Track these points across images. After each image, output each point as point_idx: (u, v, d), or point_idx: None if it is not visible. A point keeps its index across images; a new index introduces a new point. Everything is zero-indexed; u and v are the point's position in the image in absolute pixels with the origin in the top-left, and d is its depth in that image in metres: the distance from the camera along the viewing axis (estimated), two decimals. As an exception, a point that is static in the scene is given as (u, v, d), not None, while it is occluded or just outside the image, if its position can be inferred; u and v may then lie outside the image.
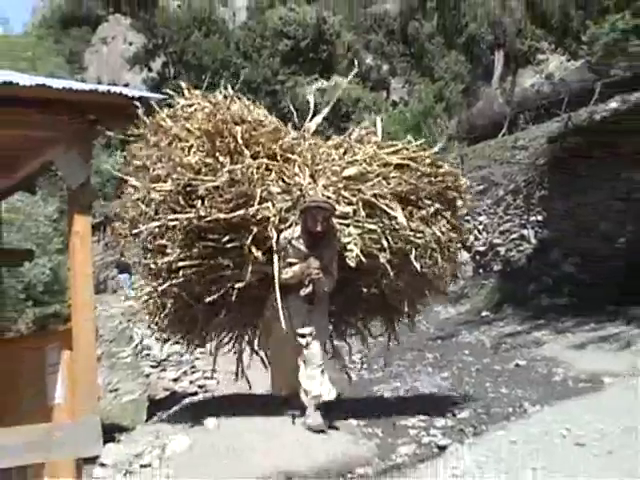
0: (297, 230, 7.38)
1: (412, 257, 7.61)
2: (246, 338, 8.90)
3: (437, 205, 8.05)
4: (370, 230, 7.55)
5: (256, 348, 8.82)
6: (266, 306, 7.69)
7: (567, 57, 34.40)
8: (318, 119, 8.87)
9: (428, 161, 8.17)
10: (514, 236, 20.14)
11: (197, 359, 16.25)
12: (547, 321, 15.02)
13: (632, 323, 12.98)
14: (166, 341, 8.82)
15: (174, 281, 7.50)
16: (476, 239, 21.13)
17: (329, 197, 7.46)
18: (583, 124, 20.83)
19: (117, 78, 55.12)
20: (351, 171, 7.85)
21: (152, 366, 17.88)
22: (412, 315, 8.77)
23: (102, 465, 7.43)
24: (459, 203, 8.50)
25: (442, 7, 45.78)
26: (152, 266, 7.83)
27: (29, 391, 9.34)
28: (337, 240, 7.46)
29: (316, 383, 7.39)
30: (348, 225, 7.56)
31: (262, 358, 8.81)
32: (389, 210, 7.60)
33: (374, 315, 8.85)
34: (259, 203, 7.27)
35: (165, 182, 7.52)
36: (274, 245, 7.35)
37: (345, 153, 8.21)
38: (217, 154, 7.41)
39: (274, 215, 7.35)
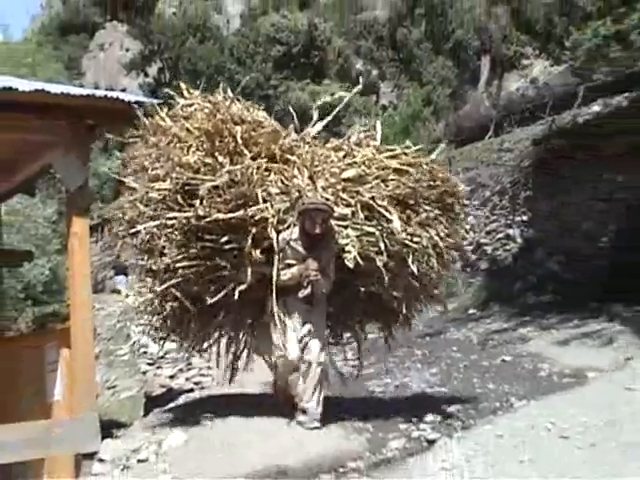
0: (295, 231, 7.29)
1: (409, 261, 7.48)
2: (244, 339, 8.74)
3: (435, 210, 7.92)
4: (368, 233, 7.43)
5: (252, 351, 8.69)
6: (265, 311, 7.55)
7: (551, 62, 34.60)
8: (319, 126, 8.76)
9: (426, 167, 8.07)
10: (500, 236, 20.18)
11: (193, 357, 16.22)
12: (532, 318, 15.03)
13: (614, 320, 13.01)
14: (162, 339, 8.73)
15: (172, 282, 7.37)
16: (463, 239, 21.13)
17: (327, 199, 7.35)
18: (566, 127, 20.87)
19: (114, 83, 54.99)
20: (350, 173, 7.75)
21: (149, 363, 17.83)
22: (408, 317, 8.61)
23: (100, 460, 7.42)
24: (457, 208, 8.40)
25: (430, 14, 46.00)
26: (150, 267, 7.72)
27: (29, 389, 9.31)
28: (335, 242, 7.37)
29: (311, 381, 7.37)
30: (346, 227, 7.45)
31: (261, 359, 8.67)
32: (386, 213, 7.48)
33: (371, 317, 8.66)
34: (258, 204, 7.19)
35: (164, 181, 7.42)
36: (274, 246, 7.25)
37: (344, 156, 8.10)
38: (216, 154, 7.32)
39: (272, 216, 7.25)
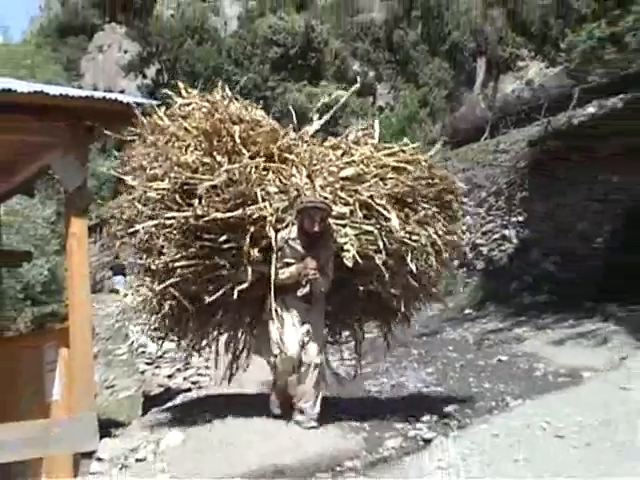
0: (294, 230, 7.22)
1: (408, 259, 7.41)
2: (242, 338, 8.65)
3: (433, 208, 7.85)
4: (367, 231, 7.37)
5: (251, 350, 8.61)
6: (264, 310, 7.48)
7: (546, 64, 34.63)
8: (317, 124, 8.74)
9: (425, 164, 8.00)
10: (496, 236, 20.19)
11: (191, 356, 16.19)
12: (528, 318, 15.04)
13: (609, 320, 13.02)
14: (161, 339, 8.69)
15: (171, 281, 7.31)
16: (461, 238, 21.12)
17: (326, 198, 7.29)
18: (562, 128, 20.89)
19: (113, 85, 54.95)
20: (348, 172, 7.69)
21: (147, 363, 17.83)
22: (407, 315, 8.51)
23: (99, 459, 7.43)
24: (455, 206, 8.35)
25: (426, 16, 46.07)
26: (148, 266, 7.66)
27: (28, 389, 9.31)
28: (334, 241, 7.31)
29: (310, 382, 7.33)
30: (345, 226, 7.39)
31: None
32: (384, 212, 7.42)
33: (370, 315, 8.57)
34: (256, 203, 7.14)
35: (162, 181, 7.37)
36: (273, 245, 7.19)
37: (342, 154, 8.03)
38: (215, 153, 7.27)
39: (271, 215, 7.19)
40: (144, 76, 53.17)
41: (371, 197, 7.48)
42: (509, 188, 20.37)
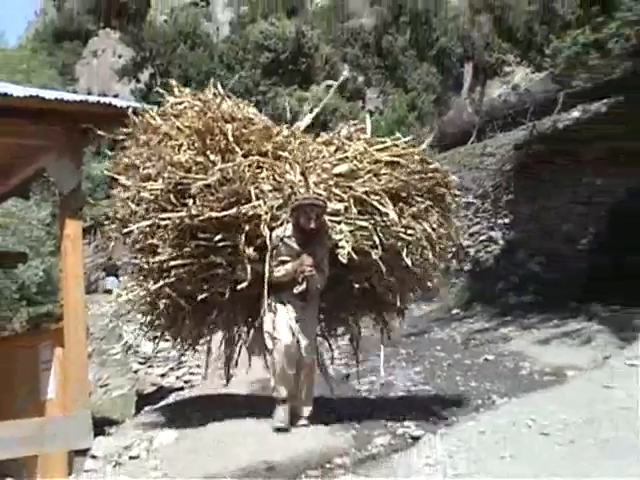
0: (289, 228, 7.14)
1: (404, 254, 7.36)
2: (237, 337, 8.55)
3: (427, 202, 7.79)
4: (361, 227, 7.29)
5: (247, 349, 8.49)
6: (260, 309, 7.32)
7: (532, 69, 34.64)
8: (308, 120, 8.69)
9: (417, 158, 7.95)
10: (483, 238, 20.18)
11: (184, 355, 16.20)
12: (514, 318, 15.05)
13: (593, 319, 13.04)
14: (155, 338, 8.62)
15: (166, 280, 7.23)
16: (454, 238, 21.10)
17: (320, 194, 7.22)
18: (547, 132, 20.91)
19: (107, 89, 54.79)
20: (342, 168, 7.62)
21: (140, 362, 17.84)
22: (402, 309, 8.45)
23: (93, 457, 7.43)
24: (448, 199, 8.28)
25: (414, 22, 46.11)
26: (143, 266, 7.58)
27: (24, 388, 9.31)
28: (329, 237, 7.22)
29: (302, 380, 7.28)
30: (339, 222, 7.31)
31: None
32: (380, 206, 7.35)
33: (365, 310, 8.46)
34: (251, 201, 7.08)
35: (156, 181, 7.30)
36: (267, 243, 7.10)
37: (336, 150, 7.97)
38: (208, 152, 7.20)
39: (265, 213, 7.12)
40: (137, 80, 53.02)
41: (365, 193, 7.41)
42: (495, 191, 20.38)
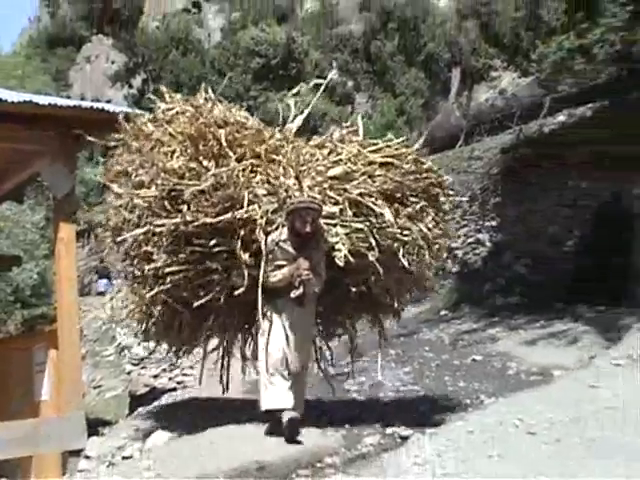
0: (284, 232, 6.97)
1: (400, 255, 7.26)
2: (233, 342, 8.43)
3: (422, 202, 7.68)
4: (357, 229, 7.18)
5: (248, 355, 8.34)
6: (256, 314, 7.10)
7: (518, 74, 34.84)
8: (299, 121, 8.55)
9: (411, 158, 7.83)
10: (470, 240, 20.20)
11: (178, 358, 16.15)
12: (501, 319, 15.06)
13: (579, 320, 13.05)
14: (146, 341, 8.55)
15: (161, 287, 7.09)
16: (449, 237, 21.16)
17: (315, 197, 7.09)
18: (533, 136, 20.99)
19: (100, 95, 54.70)
20: (336, 171, 7.49)
21: (133, 364, 17.81)
22: (399, 311, 8.33)
23: (87, 457, 7.42)
24: (442, 199, 8.15)
25: (403, 28, 46.30)
26: (138, 273, 7.47)
27: (18, 390, 9.29)
28: (325, 240, 7.09)
29: (295, 383, 7.09)
30: (335, 225, 7.18)
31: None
32: (376, 208, 7.24)
33: (361, 313, 8.33)
34: (245, 206, 6.96)
35: (149, 188, 7.17)
36: (262, 248, 6.94)
37: (329, 153, 7.84)
38: (201, 158, 7.07)
39: (261, 217, 6.98)
40: (130, 86, 53.03)
41: (360, 195, 7.31)
42: (483, 194, 20.42)
